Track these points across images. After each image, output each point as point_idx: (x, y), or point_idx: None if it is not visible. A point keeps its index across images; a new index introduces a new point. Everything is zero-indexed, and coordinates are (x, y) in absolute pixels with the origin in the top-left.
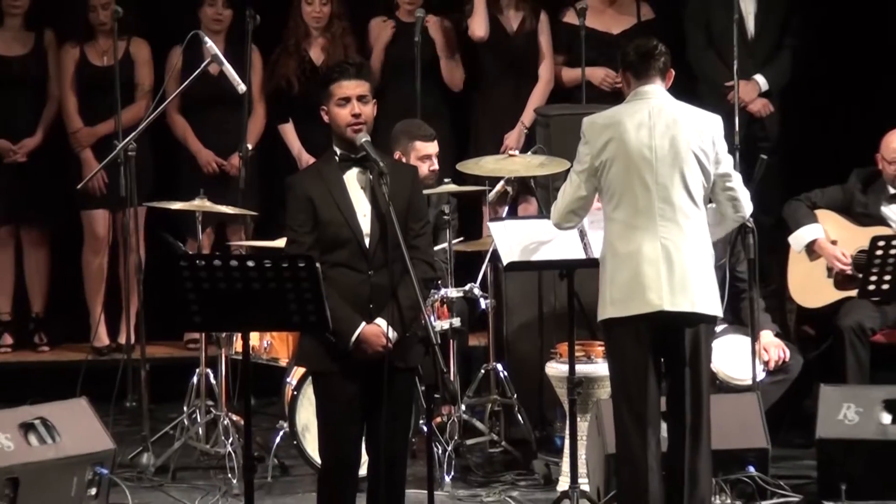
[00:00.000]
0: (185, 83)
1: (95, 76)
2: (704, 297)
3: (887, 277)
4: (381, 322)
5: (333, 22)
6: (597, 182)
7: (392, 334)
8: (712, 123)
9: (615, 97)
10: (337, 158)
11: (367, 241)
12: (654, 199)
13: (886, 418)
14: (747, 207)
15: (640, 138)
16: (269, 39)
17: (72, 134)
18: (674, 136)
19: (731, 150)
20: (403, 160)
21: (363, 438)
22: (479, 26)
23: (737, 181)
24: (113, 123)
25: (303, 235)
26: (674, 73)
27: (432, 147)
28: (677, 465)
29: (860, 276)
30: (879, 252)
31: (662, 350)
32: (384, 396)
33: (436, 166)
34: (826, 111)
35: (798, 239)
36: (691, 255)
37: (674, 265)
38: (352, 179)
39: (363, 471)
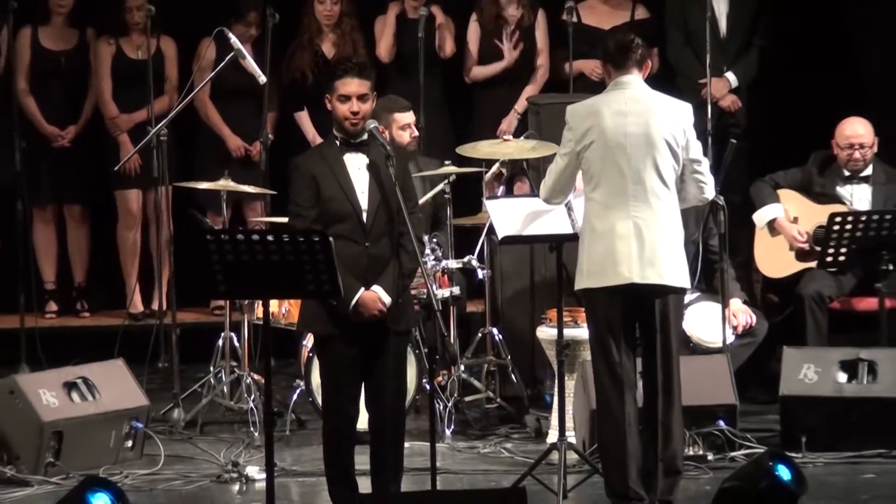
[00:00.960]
0: (212, 74)
1: (130, 69)
2: (673, 270)
3: (843, 250)
4: (377, 289)
5: (343, 19)
6: (578, 164)
7: (388, 300)
8: (683, 112)
9: (604, 87)
10: (338, 143)
11: (364, 216)
12: (627, 181)
13: (842, 377)
14: (710, 192)
15: (616, 125)
16: (285, 35)
17: (110, 119)
18: (647, 124)
19: (704, 136)
20: (386, 134)
21: (362, 396)
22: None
23: (704, 167)
24: (146, 112)
25: (307, 210)
26: (650, 64)
27: (409, 116)
28: (652, 420)
29: (819, 249)
30: (836, 227)
31: (636, 317)
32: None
33: (415, 133)
34: (788, 102)
35: (760, 217)
36: (661, 232)
37: (644, 242)
38: (351, 161)
39: (364, 425)
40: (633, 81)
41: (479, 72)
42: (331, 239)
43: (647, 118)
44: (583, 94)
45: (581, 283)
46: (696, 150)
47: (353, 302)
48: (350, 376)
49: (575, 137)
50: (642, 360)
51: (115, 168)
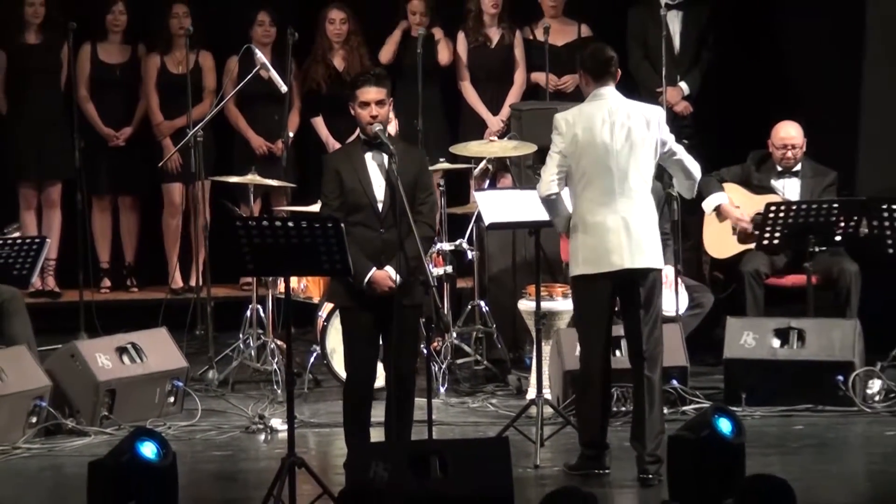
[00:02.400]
0: (240, 85)
1: (173, 81)
2: (655, 253)
3: (777, 234)
4: (388, 269)
5: (351, 37)
6: (567, 165)
7: (397, 278)
8: (655, 114)
9: (560, 95)
10: (360, 143)
11: (380, 206)
12: (615, 181)
13: (776, 343)
14: (695, 170)
15: (603, 134)
16: (302, 51)
17: (155, 126)
18: (629, 130)
19: None
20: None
21: (379, 359)
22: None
23: (681, 153)
24: (186, 118)
25: (332, 200)
26: (619, 71)
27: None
28: (639, 385)
29: (757, 233)
30: (771, 215)
31: (622, 296)
32: (394, 326)
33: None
34: (731, 107)
35: (708, 204)
36: (644, 223)
37: (631, 233)
38: (370, 159)
39: (380, 383)
40: (610, 93)
41: (468, 96)
42: (342, 224)
43: (628, 125)
44: (559, 102)
45: (577, 270)
46: (671, 141)
47: (367, 279)
48: (368, 342)
49: (565, 142)
50: (627, 333)
51: (159, 165)
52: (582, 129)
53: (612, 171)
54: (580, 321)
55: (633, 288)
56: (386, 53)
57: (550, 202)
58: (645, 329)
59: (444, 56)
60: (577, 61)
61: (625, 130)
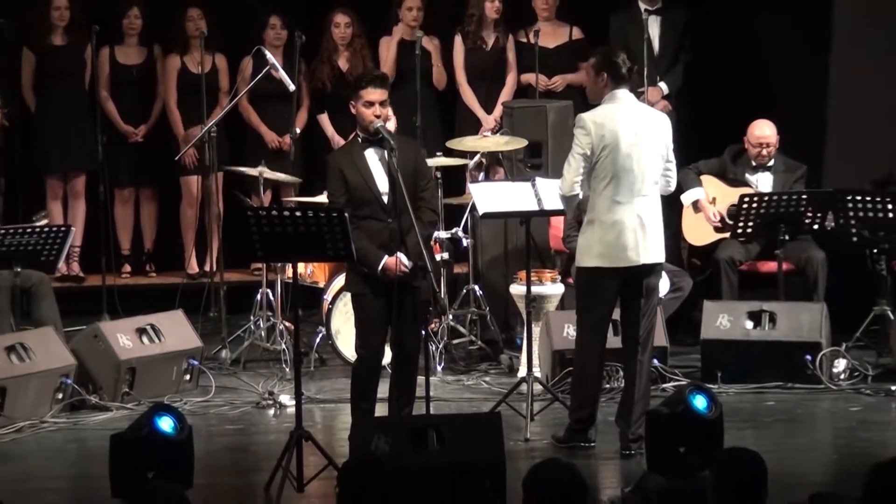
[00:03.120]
0: (251, 83)
1: (191, 81)
2: (661, 249)
3: (750, 224)
4: (400, 256)
5: (354, 40)
6: (589, 165)
7: (409, 263)
8: (667, 124)
9: (550, 95)
10: (360, 140)
11: (384, 198)
12: (634, 183)
13: (749, 325)
14: (673, 185)
15: (627, 136)
16: (310, 52)
17: (178, 134)
18: (649, 135)
19: None
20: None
21: (385, 341)
22: (387, 69)
23: (673, 166)
24: (200, 128)
25: (339, 197)
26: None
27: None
28: (631, 368)
29: (731, 222)
30: (745, 206)
31: (626, 287)
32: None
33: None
34: (708, 104)
35: (686, 198)
36: (654, 221)
37: (646, 230)
38: (371, 155)
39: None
40: (626, 96)
41: (465, 95)
42: (346, 214)
43: (648, 130)
44: (546, 100)
45: (591, 261)
46: (671, 152)
47: (380, 266)
48: (380, 324)
49: (592, 141)
50: (625, 320)
51: (176, 158)
52: (608, 130)
53: (633, 172)
54: (586, 307)
55: (639, 280)
56: (388, 69)
57: (569, 199)
58: (643, 318)
59: (439, 81)
60: (597, 62)
61: (645, 135)
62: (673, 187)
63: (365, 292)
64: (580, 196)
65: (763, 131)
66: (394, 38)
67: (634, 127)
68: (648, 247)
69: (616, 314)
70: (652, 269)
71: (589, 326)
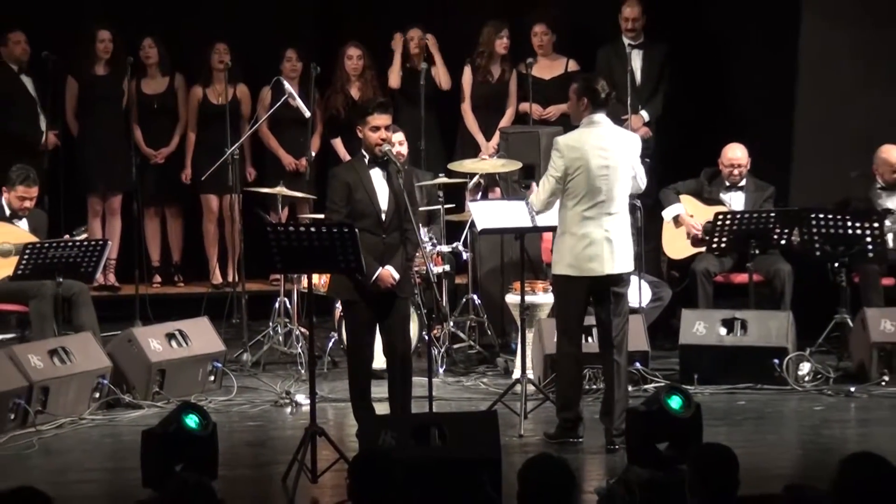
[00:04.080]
0: (270, 111)
1: (211, 111)
2: (628, 260)
3: (724, 239)
4: (389, 268)
5: (365, 71)
6: (563, 184)
7: (397, 276)
8: (636, 142)
9: (545, 123)
10: (366, 161)
11: (383, 215)
12: (604, 200)
13: (723, 331)
14: (643, 183)
15: (598, 157)
16: (323, 82)
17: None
18: (619, 155)
19: None
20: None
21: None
22: (393, 79)
23: (639, 171)
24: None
25: (341, 208)
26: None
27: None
28: (609, 370)
29: (707, 238)
30: (719, 222)
31: (596, 296)
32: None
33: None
34: (685, 130)
35: (668, 213)
36: (622, 235)
37: (613, 244)
38: (375, 174)
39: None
40: (604, 120)
41: (467, 121)
42: (357, 230)
43: (618, 151)
44: (539, 127)
45: (562, 269)
46: (637, 165)
47: (374, 277)
48: (368, 330)
49: (566, 163)
50: (600, 324)
51: (202, 178)
52: (581, 152)
53: (602, 191)
54: (560, 312)
55: (607, 288)
56: (394, 80)
57: (538, 215)
58: (615, 321)
59: (444, 81)
60: (579, 88)
61: (615, 156)
62: (642, 186)
63: (354, 299)
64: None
65: (735, 153)
66: (396, 54)
67: (606, 149)
68: (615, 258)
69: (593, 321)
70: (619, 279)
71: (563, 331)
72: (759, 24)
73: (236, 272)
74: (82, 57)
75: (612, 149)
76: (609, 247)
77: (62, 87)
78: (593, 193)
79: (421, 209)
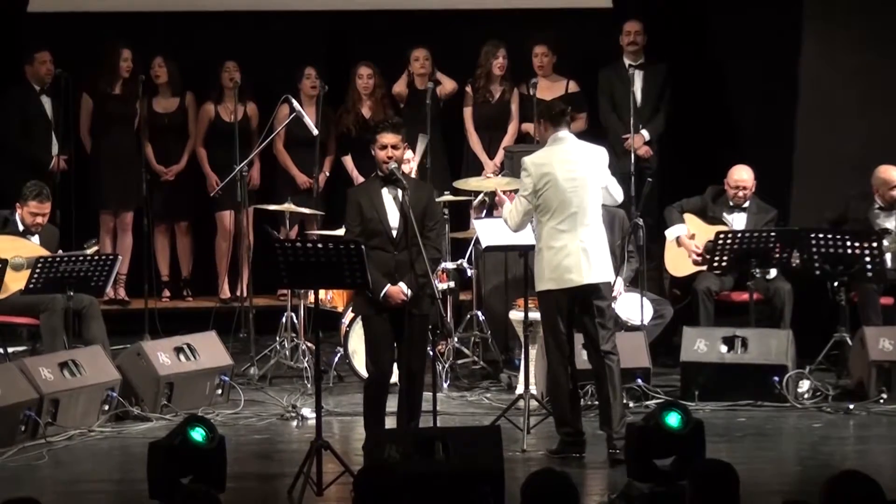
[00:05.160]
0: (278, 130)
1: (222, 128)
2: (606, 269)
3: (725, 258)
4: (401, 285)
5: (376, 90)
6: (535, 200)
7: (409, 292)
8: (602, 155)
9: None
10: (379, 180)
11: (394, 233)
12: (575, 213)
13: (723, 349)
14: (618, 195)
15: (564, 172)
16: (334, 101)
17: (207, 176)
18: (585, 169)
19: (627, 176)
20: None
21: (395, 360)
22: (398, 86)
23: (609, 181)
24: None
25: (355, 227)
26: (582, 116)
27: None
28: (601, 379)
29: (708, 257)
30: (721, 242)
31: (580, 307)
32: (406, 332)
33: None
34: (689, 149)
35: (670, 233)
36: (597, 245)
37: (589, 255)
38: (386, 193)
39: (394, 379)
40: (567, 137)
41: (472, 141)
42: (362, 246)
43: (584, 165)
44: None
45: (543, 285)
46: (607, 176)
47: (382, 294)
48: (386, 345)
49: (533, 181)
50: (585, 335)
51: (212, 195)
52: (547, 168)
53: (572, 203)
54: (546, 328)
55: (589, 298)
56: (400, 89)
57: (518, 232)
58: (601, 331)
59: (448, 87)
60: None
61: (582, 169)
62: (619, 199)
63: (373, 315)
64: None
65: (741, 175)
66: (402, 83)
67: (573, 162)
68: (592, 268)
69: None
70: (598, 288)
71: (552, 347)
72: (760, 47)
73: (245, 287)
74: (101, 75)
75: (578, 161)
76: (585, 257)
77: (76, 104)
78: (564, 206)
79: None
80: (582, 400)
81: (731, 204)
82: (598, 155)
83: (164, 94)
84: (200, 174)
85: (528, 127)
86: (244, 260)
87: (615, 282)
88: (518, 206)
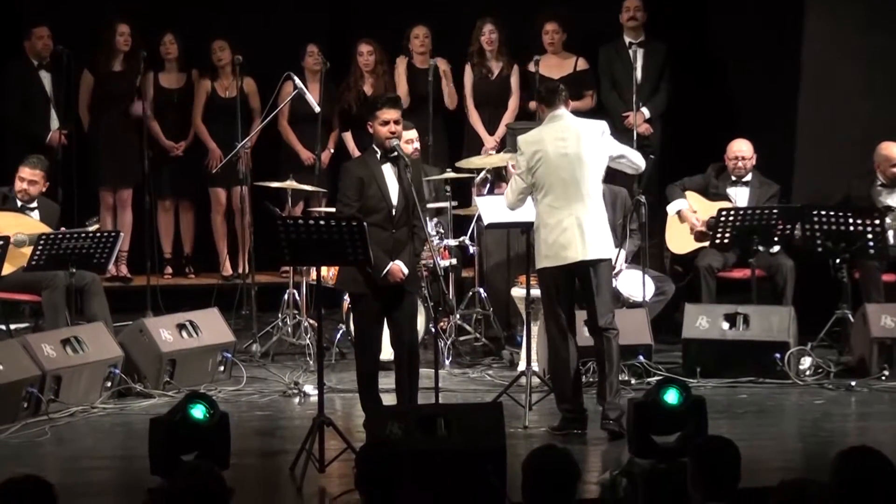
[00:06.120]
0: (280, 107)
1: (219, 104)
2: (603, 246)
3: (727, 234)
4: (399, 262)
5: (377, 66)
6: (530, 178)
7: (406, 271)
8: (599, 127)
9: None
10: (377, 156)
11: (394, 210)
12: (569, 188)
13: (725, 325)
14: (641, 165)
15: (557, 149)
16: (336, 78)
17: (206, 144)
18: (578, 145)
19: None
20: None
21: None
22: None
23: (628, 152)
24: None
25: (353, 202)
26: (590, 94)
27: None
28: (601, 355)
29: (710, 233)
30: (723, 219)
31: (580, 283)
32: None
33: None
34: (690, 126)
35: (671, 208)
36: (594, 221)
37: (584, 231)
38: (386, 169)
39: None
40: (563, 114)
41: (472, 119)
42: (365, 224)
43: (577, 141)
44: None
45: (540, 263)
46: (614, 146)
47: (385, 271)
48: (376, 323)
49: (527, 159)
50: (588, 313)
51: (213, 171)
52: (540, 146)
53: (566, 180)
54: (545, 305)
55: (587, 274)
56: (402, 92)
57: (515, 210)
58: (601, 306)
59: (451, 102)
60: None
61: (575, 144)
62: (641, 167)
63: (363, 292)
64: (519, 207)
65: (739, 146)
66: (401, 66)
67: (565, 139)
68: (589, 244)
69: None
70: (597, 264)
71: (552, 324)
72: (762, 25)
73: (246, 264)
74: (100, 51)
75: (570, 138)
76: (580, 233)
77: (77, 81)
78: (559, 183)
79: (429, 205)
80: (583, 377)
81: (732, 178)
82: (595, 129)
83: (172, 69)
84: (204, 152)
85: (532, 104)
86: (246, 237)
87: (616, 256)
88: (513, 185)
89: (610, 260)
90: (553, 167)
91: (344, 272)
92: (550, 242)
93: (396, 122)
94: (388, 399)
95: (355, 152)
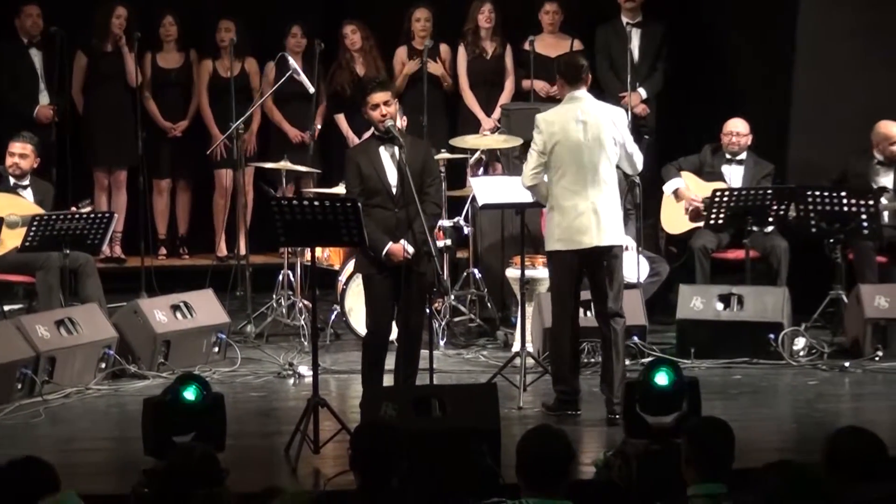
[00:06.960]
0: (275, 86)
1: (221, 84)
2: (617, 233)
3: (722, 215)
4: (403, 243)
5: (364, 43)
6: (546, 158)
7: (411, 250)
8: (619, 115)
9: (551, 100)
10: (375, 139)
11: (393, 190)
12: (586, 172)
13: (719, 306)
14: (640, 166)
15: (576, 131)
16: (327, 58)
17: (207, 123)
18: (599, 129)
19: None
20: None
21: (394, 317)
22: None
23: (635, 150)
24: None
25: (355, 187)
26: (590, 77)
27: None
28: (607, 342)
29: (705, 213)
30: (717, 199)
31: (589, 268)
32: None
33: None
34: (685, 106)
35: (668, 187)
36: (609, 207)
37: (600, 216)
38: (384, 151)
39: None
40: (584, 95)
41: (467, 99)
42: (359, 204)
43: (598, 124)
44: (542, 104)
45: (553, 245)
46: (629, 141)
47: (385, 251)
48: (388, 303)
49: (544, 139)
50: (595, 297)
51: (207, 152)
52: (559, 127)
53: (584, 164)
54: (553, 287)
55: (600, 260)
56: (403, 79)
57: (531, 189)
58: (610, 293)
59: (446, 85)
60: (557, 69)
61: (595, 128)
62: (639, 167)
63: (373, 273)
64: (535, 187)
65: (735, 124)
66: (401, 54)
67: (585, 123)
68: (604, 230)
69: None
70: (610, 250)
71: (558, 305)
72: (757, 4)
73: (242, 245)
74: (94, 32)
75: (590, 122)
76: (596, 218)
77: (70, 61)
78: (575, 166)
79: None
80: (581, 357)
81: (727, 156)
82: (615, 115)
83: (170, 50)
84: (202, 132)
85: (527, 84)
86: (242, 218)
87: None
88: (530, 160)
89: (622, 246)
90: (571, 150)
91: (359, 255)
92: (565, 226)
93: (386, 104)
94: (386, 379)
95: (349, 134)
